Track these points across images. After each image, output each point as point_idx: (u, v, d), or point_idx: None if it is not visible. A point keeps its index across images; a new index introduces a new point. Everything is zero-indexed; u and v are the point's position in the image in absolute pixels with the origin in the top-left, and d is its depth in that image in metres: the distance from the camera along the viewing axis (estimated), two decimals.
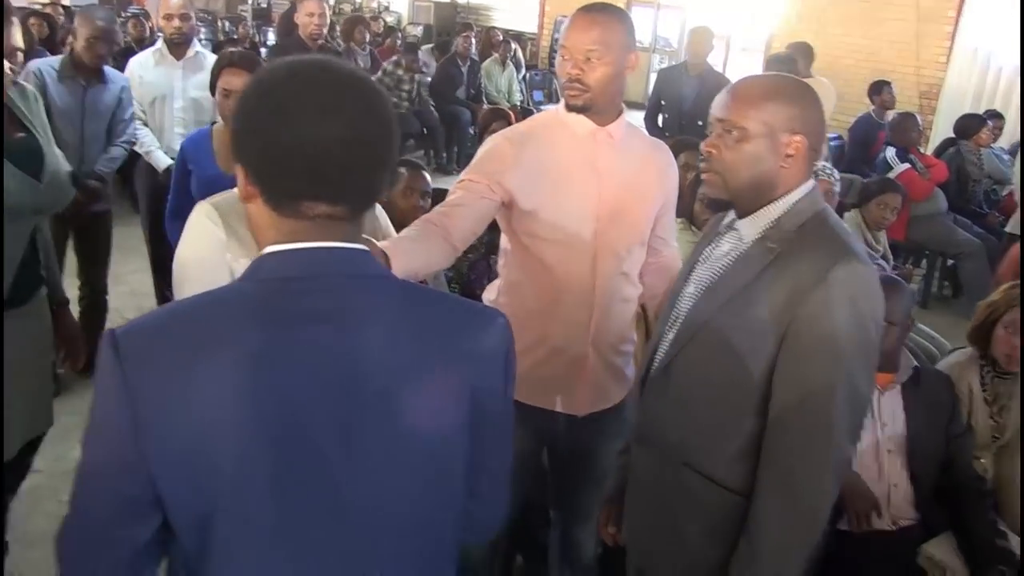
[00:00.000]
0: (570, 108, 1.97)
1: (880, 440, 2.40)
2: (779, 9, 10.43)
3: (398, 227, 2.84)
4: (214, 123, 2.98)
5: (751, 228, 1.59)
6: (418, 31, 13.01)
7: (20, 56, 2.16)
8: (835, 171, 3.84)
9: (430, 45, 10.73)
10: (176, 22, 3.95)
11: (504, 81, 9.11)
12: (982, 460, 2.59)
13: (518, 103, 9.03)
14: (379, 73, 8.31)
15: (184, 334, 0.99)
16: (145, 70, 4.01)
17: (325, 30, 5.10)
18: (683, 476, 1.65)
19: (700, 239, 1.80)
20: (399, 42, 9.88)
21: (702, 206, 3.35)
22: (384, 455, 1.04)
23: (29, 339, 2.22)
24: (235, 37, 10.14)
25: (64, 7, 8.81)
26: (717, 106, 1.58)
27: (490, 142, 2.04)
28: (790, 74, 1.82)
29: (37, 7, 8.32)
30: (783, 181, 1.56)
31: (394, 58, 8.51)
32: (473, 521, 1.23)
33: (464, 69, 8.90)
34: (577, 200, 1.98)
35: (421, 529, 1.11)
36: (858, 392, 1.52)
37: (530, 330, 1.98)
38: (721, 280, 1.62)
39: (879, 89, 6.77)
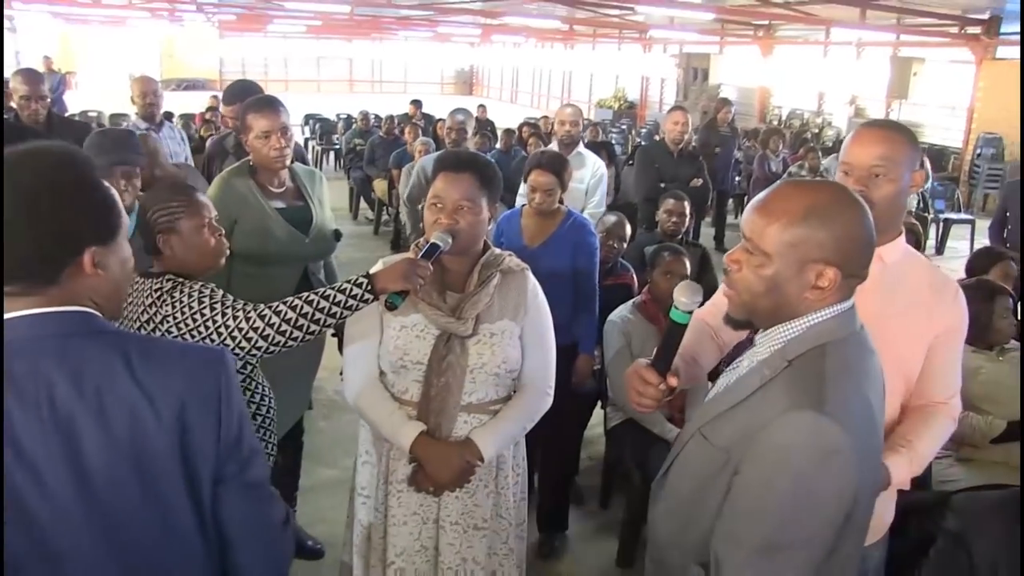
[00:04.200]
0: None
1: None
2: None
3: (660, 303, 3.25)
4: (523, 205, 3.54)
5: (763, 347, 1.46)
6: None
7: (290, 137, 2.88)
8: None
9: (834, 155, 10.88)
10: (567, 127, 5.01)
11: None
12: None
13: (913, 208, 9.07)
14: (785, 175, 9.06)
15: None
16: None
17: (686, 136, 5.85)
18: None
19: None
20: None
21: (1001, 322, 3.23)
22: (71, 485, 1.16)
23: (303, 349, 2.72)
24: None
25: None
26: (745, 219, 1.44)
27: None
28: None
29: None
30: (806, 307, 1.40)
31: (800, 161, 9.70)
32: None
33: None
34: None
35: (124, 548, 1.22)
36: (788, 565, 1.30)
37: None
38: (717, 396, 1.53)
39: None
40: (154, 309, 1.97)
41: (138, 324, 1.98)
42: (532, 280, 2.23)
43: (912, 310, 1.89)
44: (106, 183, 1.27)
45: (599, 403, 3.98)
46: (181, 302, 1.97)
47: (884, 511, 2.04)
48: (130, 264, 1.32)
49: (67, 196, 1.19)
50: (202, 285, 2.03)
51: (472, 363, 2.08)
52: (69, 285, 1.20)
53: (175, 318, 1.96)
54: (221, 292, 2.04)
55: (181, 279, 2.04)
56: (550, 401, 2.23)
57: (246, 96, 3.30)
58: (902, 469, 1.84)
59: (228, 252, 2.19)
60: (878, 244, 1.75)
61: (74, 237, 1.20)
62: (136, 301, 2.01)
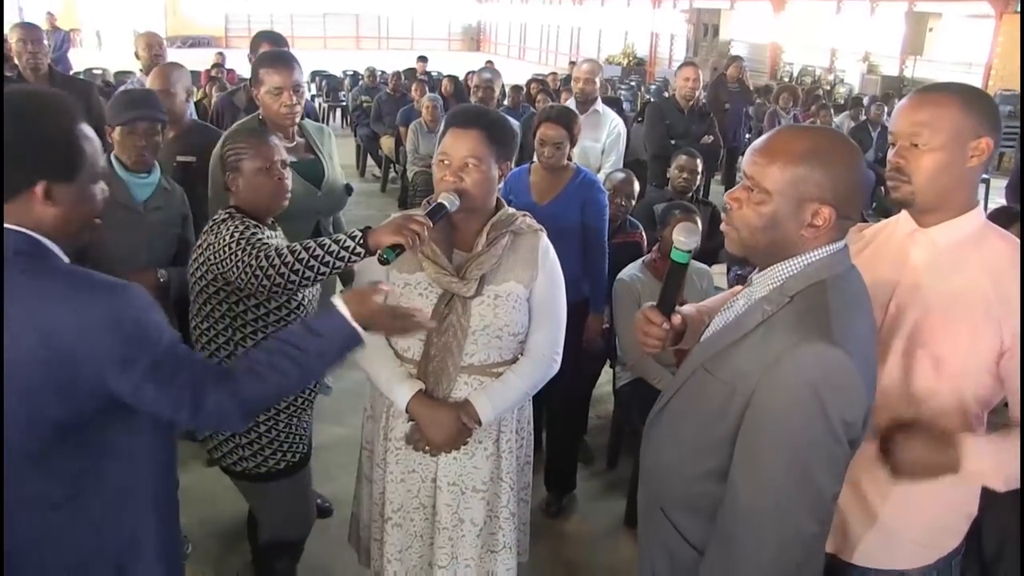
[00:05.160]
0: (892, 202, 1.70)
1: None
2: None
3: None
4: (531, 162, 3.49)
5: (761, 286, 1.51)
6: (865, 101, 13.12)
7: (302, 94, 2.90)
8: None
9: (846, 112, 10.70)
10: (581, 84, 4.90)
11: None
12: None
13: None
14: None
15: None
16: None
17: (697, 93, 5.78)
18: (659, 519, 1.66)
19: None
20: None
21: None
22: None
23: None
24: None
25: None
26: (746, 158, 1.48)
27: None
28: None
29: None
30: (802, 245, 1.45)
31: (811, 119, 9.62)
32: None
33: (875, 134, 9.29)
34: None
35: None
36: (813, 483, 1.39)
37: None
38: (717, 334, 1.57)
39: None
40: (206, 236, 2.20)
41: (198, 251, 2.22)
42: (545, 242, 2.17)
43: (971, 304, 1.60)
44: (84, 130, 1.43)
45: (608, 362, 3.96)
46: (220, 233, 2.16)
47: (955, 519, 1.78)
48: (90, 206, 1.47)
49: (27, 132, 1.35)
50: (241, 221, 2.19)
51: (474, 324, 2.04)
52: (19, 208, 1.38)
53: (213, 247, 2.15)
54: (252, 231, 2.15)
55: (239, 214, 2.22)
56: (556, 368, 2.18)
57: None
58: (984, 456, 1.59)
59: (289, 195, 2.34)
60: (927, 224, 1.68)
61: (27, 167, 1.37)
62: (207, 229, 2.23)
